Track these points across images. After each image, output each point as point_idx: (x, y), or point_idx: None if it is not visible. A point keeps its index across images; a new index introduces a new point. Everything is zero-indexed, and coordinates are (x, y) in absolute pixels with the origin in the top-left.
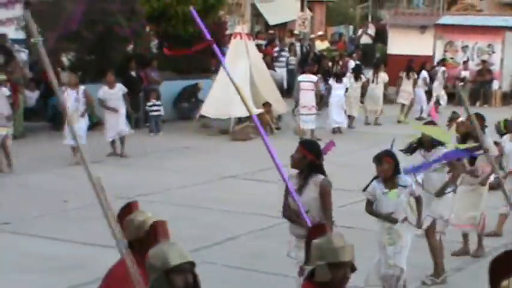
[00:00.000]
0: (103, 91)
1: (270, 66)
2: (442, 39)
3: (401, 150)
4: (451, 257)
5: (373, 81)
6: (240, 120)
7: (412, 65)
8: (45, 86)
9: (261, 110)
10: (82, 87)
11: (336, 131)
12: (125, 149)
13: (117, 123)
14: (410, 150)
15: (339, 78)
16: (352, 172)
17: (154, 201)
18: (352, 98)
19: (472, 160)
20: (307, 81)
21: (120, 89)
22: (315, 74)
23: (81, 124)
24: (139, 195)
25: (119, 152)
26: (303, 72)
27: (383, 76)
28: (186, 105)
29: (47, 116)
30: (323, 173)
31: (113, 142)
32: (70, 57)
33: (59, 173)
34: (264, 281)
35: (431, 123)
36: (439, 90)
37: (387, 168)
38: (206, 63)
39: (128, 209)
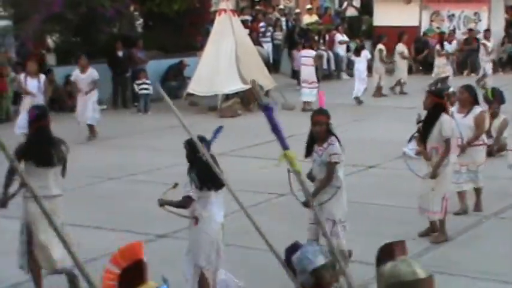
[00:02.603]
0: (75, 74)
1: (256, 42)
2: (428, 9)
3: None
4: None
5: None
6: (227, 97)
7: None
8: None
9: (248, 86)
10: (42, 76)
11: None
12: (95, 133)
13: (83, 109)
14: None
15: (358, 52)
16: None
17: (144, 181)
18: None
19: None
20: (306, 57)
21: (90, 74)
22: (313, 48)
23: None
24: (130, 174)
25: (89, 135)
26: (303, 48)
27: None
28: (173, 84)
29: None
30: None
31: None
32: (55, 38)
33: None
34: (256, 257)
35: (319, 110)
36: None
37: None
38: (192, 41)
39: None
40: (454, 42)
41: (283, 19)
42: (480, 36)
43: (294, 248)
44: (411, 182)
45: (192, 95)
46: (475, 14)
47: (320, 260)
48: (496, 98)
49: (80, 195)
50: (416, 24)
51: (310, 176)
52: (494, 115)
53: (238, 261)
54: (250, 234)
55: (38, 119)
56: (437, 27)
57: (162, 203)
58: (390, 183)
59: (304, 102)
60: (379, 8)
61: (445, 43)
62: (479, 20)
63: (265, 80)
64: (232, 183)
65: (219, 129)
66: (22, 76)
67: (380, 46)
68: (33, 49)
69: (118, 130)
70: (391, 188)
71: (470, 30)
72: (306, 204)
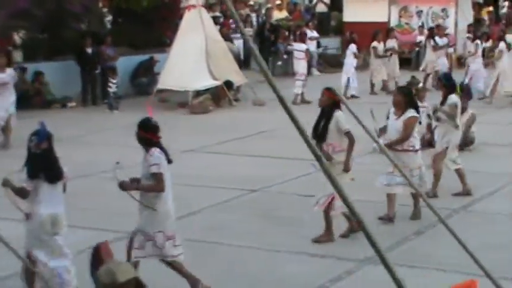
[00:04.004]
0: None
1: (227, 38)
2: (397, 5)
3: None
4: (409, 220)
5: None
6: (198, 93)
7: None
8: None
9: (218, 83)
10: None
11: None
12: (8, 138)
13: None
14: None
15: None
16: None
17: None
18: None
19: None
20: (298, 50)
21: (8, 75)
22: (304, 42)
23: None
24: (99, 172)
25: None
26: (295, 41)
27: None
28: (143, 80)
29: None
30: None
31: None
32: (22, 35)
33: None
34: (226, 253)
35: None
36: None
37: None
38: (162, 37)
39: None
40: (444, 38)
41: (253, 15)
42: (449, 31)
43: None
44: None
45: (162, 91)
46: (443, 10)
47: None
48: (464, 93)
49: None
50: (385, 20)
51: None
52: (462, 110)
53: (206, 257)
54: (217, 230)
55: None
56: (406, 23)
57: (5, 184)
58: (363, 179)
59: (296, 95)
60: (348, 4)
61: (437, 38)
62: (447, 16)
63: (236, 76)
64: (202, 179)
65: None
66: None
67: (374, 43)
68: None
69: (87, 127)
70: (364, 183)
71: (438, 26)
72: None
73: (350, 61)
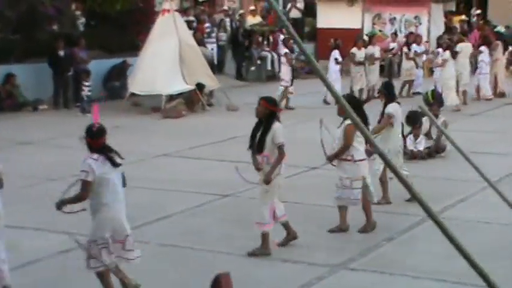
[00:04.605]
0: None
1: (201, 43)
2: (370, 12)
3: None
4: (381, 227)
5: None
6: (171, 97)
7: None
8: None
9: (191, 87)
10: None
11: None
12: None
13: None
14: None
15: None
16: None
17: None
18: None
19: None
20: (282, 55)
21: None
22: (287, 47)
23: None
24: (71, 175)
25: None
26: (285, 46)
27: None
28: (116, 84)
29: None
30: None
31: None
32: None
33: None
34: (200, 258)
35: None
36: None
37: None
38: (135, 40)
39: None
40: (422, 45)
41: (227, 20)
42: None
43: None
44: None
45: (135, 95)
46: (416, 17)
47: None
48: (436, 100)
49: (19, 197)
50: (359, 26)
51: None
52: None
53: (178, 262)
54: (189, 235)
55: None
56: (380, 30)
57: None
58: (333, 185)
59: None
60: (322, 10)
61: (414, 45)
62: (420, 24)
63: (209, 80)
64: (176, 184)
65: None
66: None
67: (353, 49)
68: None
69: (59, 130)
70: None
71: (411, 33)
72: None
73: (332, 67)
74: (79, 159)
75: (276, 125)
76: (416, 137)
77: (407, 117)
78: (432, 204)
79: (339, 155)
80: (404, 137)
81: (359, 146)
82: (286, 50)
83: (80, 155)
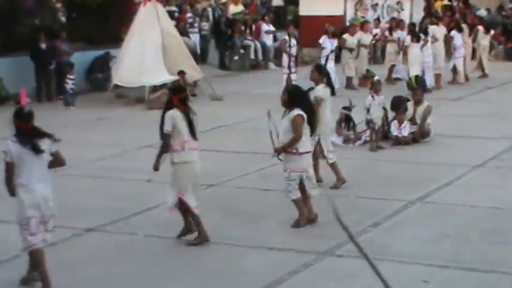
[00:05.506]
0: None
1: (184, 33)
2: None
3: None
4: (366, 212)
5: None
6: (155, 88)
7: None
8: None
9: (175, 77)
10: None
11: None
12: None
13: None
14: None
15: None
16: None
17: (70, 175)
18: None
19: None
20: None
21: None
22: (288, 35)
23: None
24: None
25: None
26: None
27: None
28: (99, 76)
29: None
30: None
31: None
32: None
33: None
34: (184, 249)
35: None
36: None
37: None
38: (118, 32)
39: None
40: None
41: (209, 9)
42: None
43: None
44: (345, 172)
45: (118, 86)
46: (398, 3)
47: None
48: (419, 86)
49: (3, 191)
50: (341, 13)
51: None
52: (418, 102)
53: (163, 253)
54: (174, 225)
55: None
56: (362, 17)
57: None
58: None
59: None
60: None
61: (398, 30)
62: (402, 9)
63: (193, 70)
64: (160, 175)
65: None
66: None
67: (345, 35)
68: None
69: (42, 124)
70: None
71: (393, 19)
72: None
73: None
74: (63, 152)
75: (167, 113)
76: (400, 122)
77: (392, 102)
78: (417, 189)
79: (288, 147)
80: (389, 123)
81: (305, 138)
82: (286, 37)
83: (64, 148)
